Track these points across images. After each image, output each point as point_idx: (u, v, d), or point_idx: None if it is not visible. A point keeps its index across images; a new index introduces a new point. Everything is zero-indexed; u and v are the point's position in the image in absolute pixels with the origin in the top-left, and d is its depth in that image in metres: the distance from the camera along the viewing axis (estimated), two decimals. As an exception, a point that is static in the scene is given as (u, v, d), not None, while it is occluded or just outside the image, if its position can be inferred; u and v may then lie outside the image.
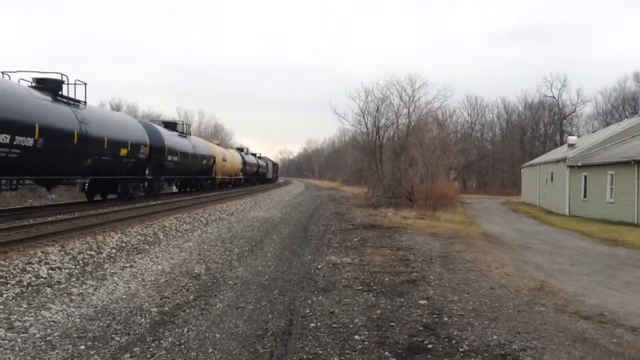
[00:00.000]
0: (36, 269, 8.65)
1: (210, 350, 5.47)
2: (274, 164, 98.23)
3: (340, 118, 55.60)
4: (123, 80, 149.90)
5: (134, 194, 25.27)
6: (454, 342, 5.87)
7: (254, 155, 70.67)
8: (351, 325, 6.43)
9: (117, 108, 69.75)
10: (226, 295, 7.84)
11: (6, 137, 14.90)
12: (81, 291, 7.76)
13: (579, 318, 7.05)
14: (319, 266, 10.37)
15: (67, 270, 8.99)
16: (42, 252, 9.91)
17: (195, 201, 26.24)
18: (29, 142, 15.89)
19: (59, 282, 8.31)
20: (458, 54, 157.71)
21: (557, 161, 34.33)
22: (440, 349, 5.63)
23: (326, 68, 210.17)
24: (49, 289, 7.84)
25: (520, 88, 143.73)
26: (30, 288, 7.77)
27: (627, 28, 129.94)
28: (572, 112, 74.15)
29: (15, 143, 15.26)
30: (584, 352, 5.64)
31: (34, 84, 18.39)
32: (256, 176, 66.17)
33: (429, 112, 36.55)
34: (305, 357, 5.32)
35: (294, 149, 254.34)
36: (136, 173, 25.32)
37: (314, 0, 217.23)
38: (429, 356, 5.43)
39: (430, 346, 5.72)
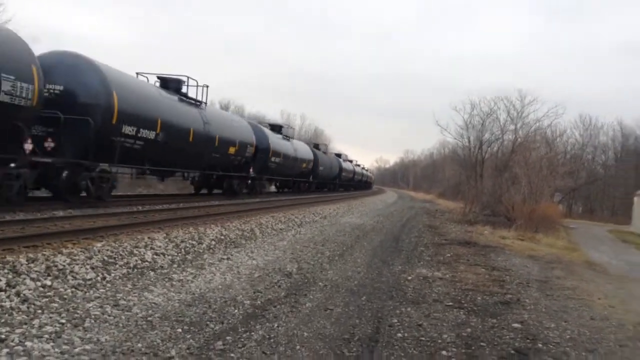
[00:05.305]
0: (142, 253, 9.24)
1: (298, 347, 5.59)
2: (369, 172, 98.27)
3: (442, 130, 54.38)
4: (230, 80, 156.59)
5: (238, 191, 26.69)
6: (547, 370, 5.60)
7: (350, 162, 71.08)
8: (439, 340, 6.30)
9: (225, 108, 72.84)
10: (316, 296, 7.96)
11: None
12: (181, 277, 8.21)
13: (692, 362, 6.47)
14: (409, 278, 10.25)
15: (169, 257, 9.54)
16: (148, 237, 10.57)
17: (291, 202, 26.84)
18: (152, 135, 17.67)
19: (162, 267, 8.85)
20: (574, 69, 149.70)
21: (677, 191, 31.60)
22: (532, 376, 5.39)
23: (430, 76, 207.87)
24: (153, 272, 8.37)
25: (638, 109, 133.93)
26: (135, 270, 8.33)
27: None
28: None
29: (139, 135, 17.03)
30: (695, 400, 5.17)
31: (159, 83, 20.33)
32: (351, 182, 66.58)
33: (537, 129, 34.99)
34: (390, 366, 5.30)
35: (390, 159, 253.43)
36: (241, 171, 26.79)
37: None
38: (520, 382, 5.22)
39: (521, 371, 5.50)
